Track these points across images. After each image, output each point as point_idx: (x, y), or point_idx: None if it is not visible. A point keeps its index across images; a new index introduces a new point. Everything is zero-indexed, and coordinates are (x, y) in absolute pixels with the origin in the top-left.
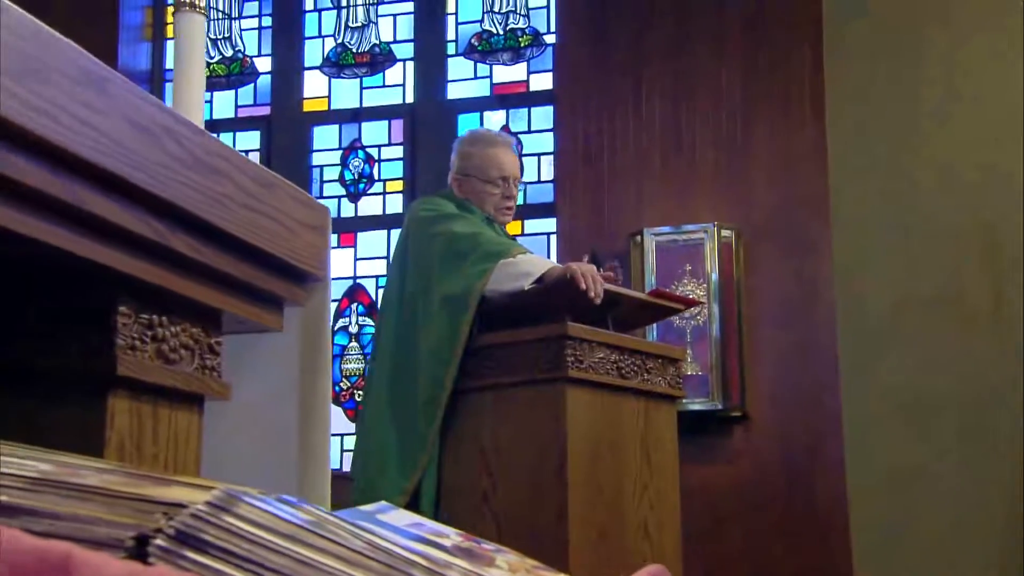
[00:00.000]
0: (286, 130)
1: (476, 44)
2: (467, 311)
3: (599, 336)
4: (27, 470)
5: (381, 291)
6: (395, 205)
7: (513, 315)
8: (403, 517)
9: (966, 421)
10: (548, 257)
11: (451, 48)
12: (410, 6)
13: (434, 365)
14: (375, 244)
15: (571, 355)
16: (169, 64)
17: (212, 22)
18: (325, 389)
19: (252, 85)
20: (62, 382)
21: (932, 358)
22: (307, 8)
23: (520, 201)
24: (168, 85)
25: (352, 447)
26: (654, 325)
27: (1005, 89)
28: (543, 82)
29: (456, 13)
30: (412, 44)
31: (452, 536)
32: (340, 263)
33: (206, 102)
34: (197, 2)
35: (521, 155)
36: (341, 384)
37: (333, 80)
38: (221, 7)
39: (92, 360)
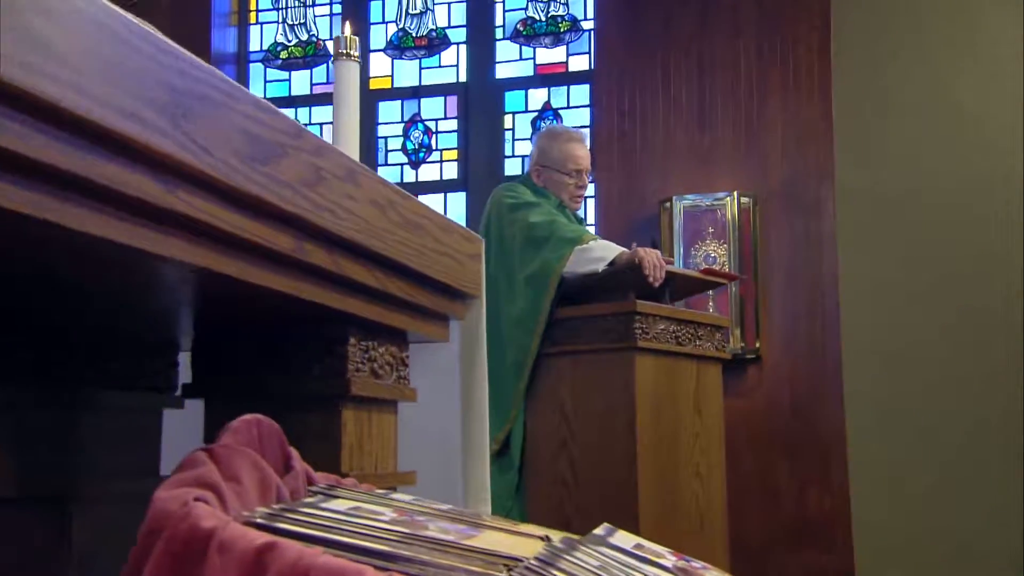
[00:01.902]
0: None
1: (521, 29)
2: (548, 288)
3: (661, 311)
4: (379, 518)
5: None
6: (450, 172)
7: (586, 291)
8: (628, 540)
9: (949, 370)
10: (586, 221)
11: (499, 33)
12: None
13: (521, 334)
14: (434, 205)
15: (639, 328)
16: (253, 46)
17: (290, 9)
18: (482, 385)
19: (325, 65)
20: (308, 399)
21: (922, 314)
22: None
23: None
24: (252, 66)
25: None
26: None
27: (1007, 69)
28: (581, 63)
29: (503, 1)
30: (464, 29)
31: (668, 556)
32: None
33: (285, 81)
34: (352, 53)
35: None
36: None
37: (395, 61)
38: None
39: (331, 381)
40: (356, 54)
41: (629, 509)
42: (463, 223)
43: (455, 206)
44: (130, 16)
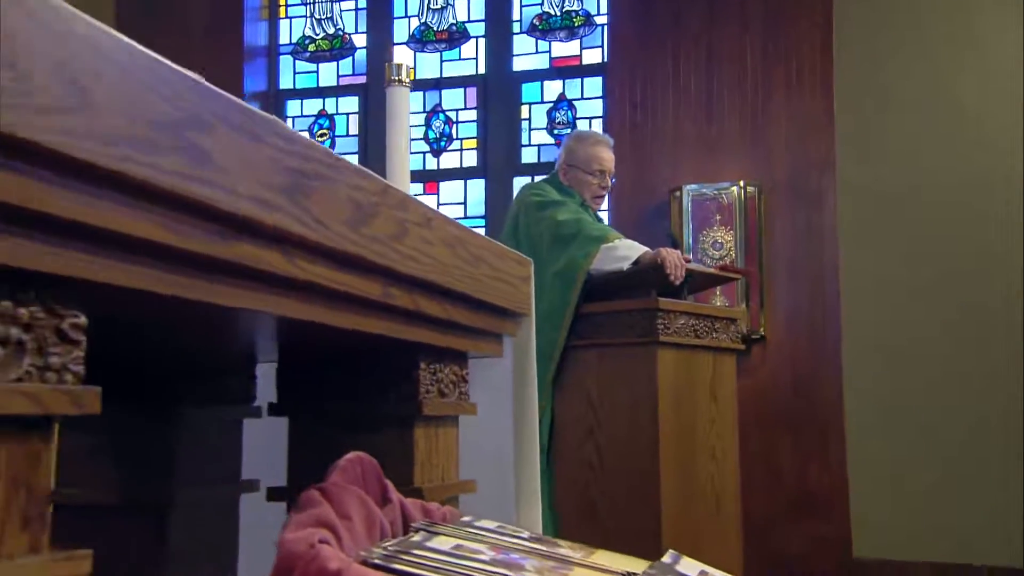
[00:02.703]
0: (379, 96)
1: (537, 23)
2: (576, 284)
3: (681, 307)
4: (479, 557)
5: None
6: (470, 159)
7: (610, 287)
8: (693, 567)
9: (943, 354)
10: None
11: (516, 27)
12: None
13: (549, 327)
14: (454, 191)
15: (661, 323)
16: (283, 39)
17: (317, 4)
18: (533, 396)
19: (351, 58)
20: (383, 420)
21: (920, 301)
22: None
23: None
24: (281, 58)
25: None
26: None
27: (1006, 66)
28: (594, 56)
29: None
30: (483, 23)
31: None
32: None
33: (313, 73)
34: (404, 79)
35: (575, 119)
36: None
37: (417, 54)
38: None
39: (404, 404)
40: (407, 80)
41: (652, 492)
42: (482, 209)
43: (474, 192)
44: (261, 113)
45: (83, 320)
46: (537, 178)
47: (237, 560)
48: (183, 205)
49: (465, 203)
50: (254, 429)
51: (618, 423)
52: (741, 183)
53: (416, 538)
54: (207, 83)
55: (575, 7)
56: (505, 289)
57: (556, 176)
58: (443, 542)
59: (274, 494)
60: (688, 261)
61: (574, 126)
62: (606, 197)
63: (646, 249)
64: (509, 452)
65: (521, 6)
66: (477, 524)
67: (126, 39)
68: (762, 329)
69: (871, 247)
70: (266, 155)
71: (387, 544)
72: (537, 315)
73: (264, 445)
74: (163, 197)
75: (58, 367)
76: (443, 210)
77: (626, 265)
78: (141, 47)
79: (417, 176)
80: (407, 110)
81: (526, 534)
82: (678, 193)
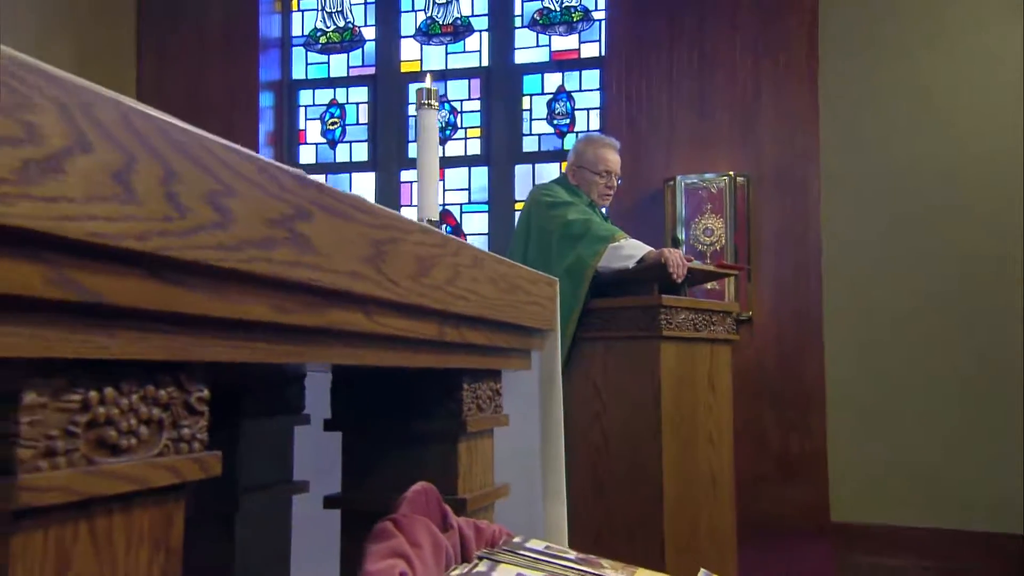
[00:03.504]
0: (387, 86)
1: (538, 18)
2: (584, 281)
3: (681, 302)
4: None
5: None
6: (474, 147)
7: (615, 284)
8: None
9: (919, 327)
10: None
11: (517, 21)
12: None
13: (559, 320)
14: (459, 178)
15: (663, 318)
16: (295, 31)
17: None
18: (558, 402)
19: (360, 50)
20: (430, 436)
21: (895, 278)
22: None
23: (571, 145)
24: (294, 50)
25: None
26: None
27: (979, 66)
28: (592, 50)
29: None
30: (487, 18)
31: None
32: None
33: (324, 64)
34: (433, 103)
35: (574, 110)
36: None
37: (424, 46)
38: None
39: (449, 421)
40: (436, 103)
41: (654, 472)
42: (486, 195)
43: (478, 179)
44: (349, 194)
45: (206, 393)
46: (537, 165)
47: (290, 555)
48: (290, 287)
49: (469, 189)
50: (303, 433)
51: (623, 409)
52: (731, 173)
53: (481, 568)
54: (307, 175)
55: (574, 3)
56: (537, 311)
57: (565, 176)
58: (506, 571)
59: (330, 502)
60: (690, 260)
61: (573, 117)
62: (612, 196)
63: (650, 248)
64: (536, 453)
65: (523, 1)
66: (527, 546)
67: (248, 152)
68: (750, 311)
69: (852, 233)
70: (354, 231)
71: (455, 574)
72: None
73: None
74: (275, 283)
75: (188, 437)
76: (448, 196)
77: (632, 263)
78: (258, 156)
79: None
80: (436, 130)
81: (572, 555)
82: (672, 183)
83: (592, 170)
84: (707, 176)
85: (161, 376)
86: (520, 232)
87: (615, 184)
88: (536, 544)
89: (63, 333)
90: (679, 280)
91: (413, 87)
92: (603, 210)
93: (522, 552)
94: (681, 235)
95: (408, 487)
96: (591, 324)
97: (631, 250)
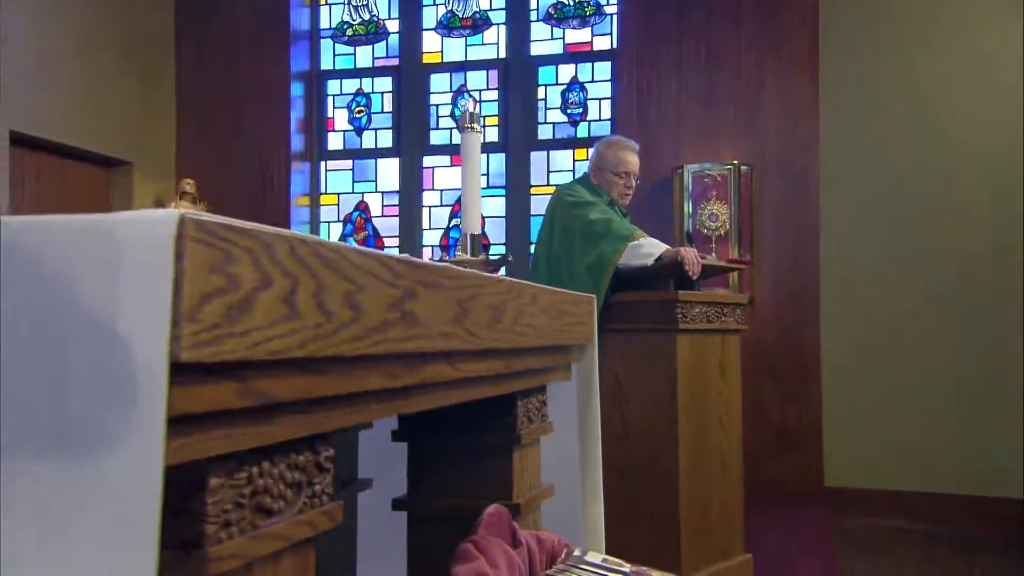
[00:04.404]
0: (411, 77)
1: (553, 12)
2: (605, 277)
3: (697, 297)
4: None
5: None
6: (492, 135)
7: (633, 279)
8: None
9: (910, 309)
10: None
11: (533, 15)
12: None
13: None
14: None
15: (680, 313)
16: (323, 24)
17: None
18: (596, 407)
19: (385, 42)
20: (487, 449)
21: (888, 261)
22: None
23: (584, 133)
24: (322, 41)
25: None
26: (689, 230)
27: (975, 66)
28: (604, 43)
29: None
30: (504, 11)
31: None
32: (452, 178)
33: (351, 55)
34: (475, 127)
35: (586, 100)
36: None
37: (444, 39)
38: None
39: (505, 435)
40: (479, 127)
41: (670, 455)
42: (503, 180)
43: (496, 165)
44: (439, 264)
45: (332, 452)
46: (552, 151)
47: (356, 548)
48: (399, 357)
49: (488, 174)
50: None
51: (641, 397)
52: (735, 162)
53: None
54: (412, 258)
55: None
56: (580, 329)
57: (587, 176)
58: None
59: (397, 504)
60: (703, 258)
61: (585, 106)
62: (631, 195)
63: (667, 247)
64: (575, 454)
65: None
66: (587, 559)
67: (373, 251)
68: (752, 291)
69: (848, 218)
70: (445, 297)
71: None
72: None
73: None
74: (389, 357)
75: (319, 493)
76: None
77: (650, 261)
78: (379, 252)
79: (445, 150)
80: (479, 154)
81: (628, 568)
82: (680, 171)
83: (612, 171)
84: (713, 165)
85: (300, 445)
86: (545, 229)
87: (634, 184)
88: (594, 557)
89: (243, 429)
90: (695, 277)
91: (434, 77)
92: (623, 207)
93: (583, 567)
94: (689, 227)
95: (468, 494)
96: (612, 317)
97: (649, 248)
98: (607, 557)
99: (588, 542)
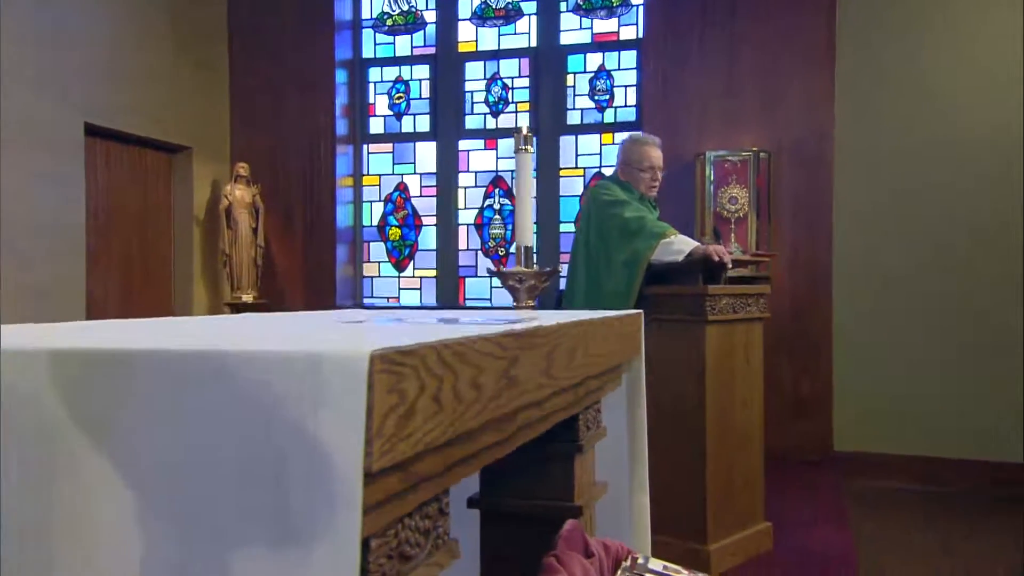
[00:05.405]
0: (447, 64)
1: (581, 3)
2: (639, 271)
3: (724, 290)
4: None
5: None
6: (523, 120)
7: (665, 273)
8: None
9: (909, 301)
10: None
11: (563, 6)
12: None
13: (618, 303)
14: (510, 147)
15: (709, 305)
16: (364, 15)
17: None
18: (643, 412)
19: (422, 31)
20: (553, 457)
21: (899, 245)
22: None
23: (611, 119)
24: (364, 31)
25: None
26: (715, 226)
27: (984, 56)
28: (630, 33)
29: None
30: (535, 2)
31: None
32: (486, 161)
33: (391, 44)
34: (528, 148)
35: (613, 87)
36: (489, 243)
37: (479, 28)
38: None
39: (569, 444)
40: (532, 149)
41: (699, 434)
42: (534, 162)
43: None
44: (524, 328)
45: (448, 498)
46: (580, 136)
47: None
48: (505, 415)
49: None
50: None
51: (672, 381)
52: (755, 148)
53: None
54: (513, 328)
55: None
56: (631, 344)
57: (616, 174)
58: None
59: (472, 503)
60: (731, 254)
61: (612, 93)
62: (657, 187)
63: (697, 244)
64: (624, 450)
65: None
66: (649, 567)
67: (489, 332)
68: (768, 271)
69: (860, 204)
70: (537, 355)
71: None
72: (608, 295)
73: None
74: (499, 419)
75: (442, 534)
76: (502, 163)
77: (681, 257)
78: (493, 333)
79: (479, 134)
80: (531, 170)
81: (686, 573)
82: (702, 157)
83: (638, 167)
84: (733, 151)
85: (431, 499)
86: (583, 221)
87: (659, 177)
88: (655, 564)
89: (398, 503)
90: (728, 269)
91: (469, 65)
92: (652, 199)
93: (645, 573)
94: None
95: (534, 495)
96: (645, 308)
97: (680, 245)
98: (667, 564)
99: (634, 528)
